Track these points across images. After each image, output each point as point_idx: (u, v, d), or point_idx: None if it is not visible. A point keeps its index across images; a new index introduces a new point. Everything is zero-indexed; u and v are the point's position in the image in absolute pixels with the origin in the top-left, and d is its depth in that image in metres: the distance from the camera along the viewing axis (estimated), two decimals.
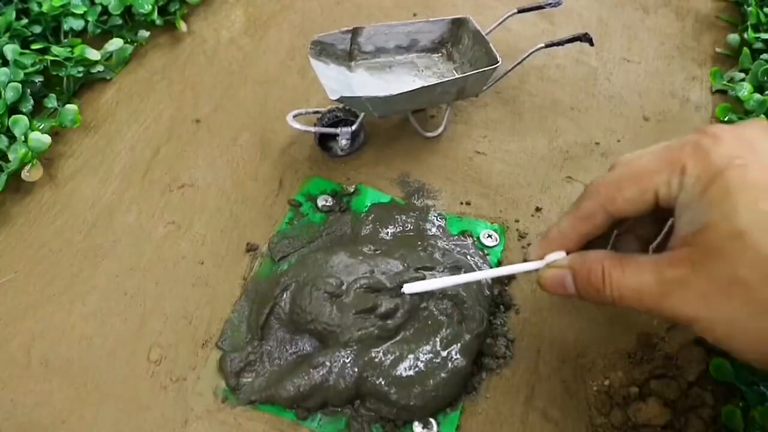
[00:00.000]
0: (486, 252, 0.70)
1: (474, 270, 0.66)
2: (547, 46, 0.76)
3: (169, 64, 0.90)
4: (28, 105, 0.78)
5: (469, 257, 0.68)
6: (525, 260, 0.52)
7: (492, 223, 0.73)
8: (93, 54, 0.83)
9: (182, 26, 0.93)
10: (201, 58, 0.91)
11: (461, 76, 0.70)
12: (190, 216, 0.73)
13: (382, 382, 0.57)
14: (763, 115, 0.79)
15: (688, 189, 0.40)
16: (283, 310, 0.62)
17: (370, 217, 0.72)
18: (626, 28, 0.97)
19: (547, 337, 0.65)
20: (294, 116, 0.74)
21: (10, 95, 0.76)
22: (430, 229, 0.71)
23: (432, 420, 0.58)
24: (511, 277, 0.68)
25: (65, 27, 0.87)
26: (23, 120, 0.75)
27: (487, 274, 0.57)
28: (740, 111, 0.83)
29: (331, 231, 0.71)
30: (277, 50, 0.92)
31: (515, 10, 0.82)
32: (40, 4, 0.84)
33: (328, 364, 0.58)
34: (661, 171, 0.41)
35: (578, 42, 0.76)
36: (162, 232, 0.72)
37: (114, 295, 0.67)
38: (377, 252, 0.66)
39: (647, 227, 0.50)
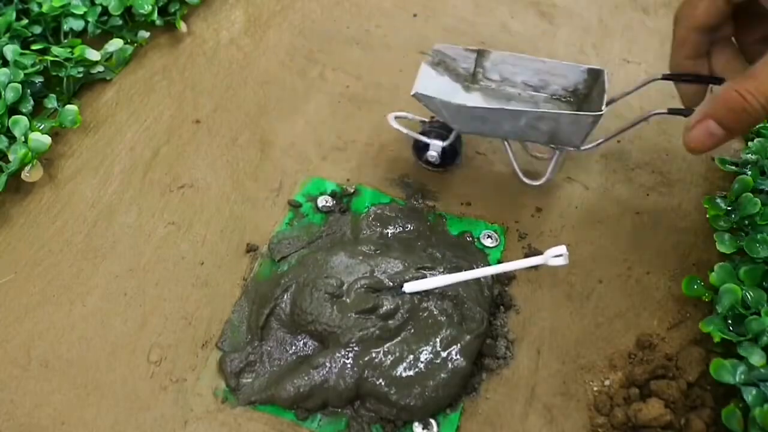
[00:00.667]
0: (486, 252, 0.70)
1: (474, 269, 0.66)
2: (670, 112, 0.66)
3: (169, 65, 0.90)
4: (28, 105, 0.78)
5: (468, 257, 0.68)
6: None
7: (492, 223, 0.73)
8: (93, 54, 0.83)
9: (182, 27, 0.93)
10: (201, 58, 0.91)
11: (550, 111, 0.63)
12: (189, 216, 0.73)
13: (382, 383, 0.57)
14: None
15: None
16: (284, 311, 0.63)
17: (370, 218, 0.72)
18: (626, 28, 0.97)
19: (547, 338, 0.65)
20: (396, 117, 0.72)
21: (10, 96, 0.76)
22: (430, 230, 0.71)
23: (432, 420, 0.58)
24: (511, 278, 0.68)
25: (65, 27, 0.87)
26: (23, 120, 0.75)
27: (487, 271, 0.57)
28: None
29: (331, 232, 0.71)
30: (277, 50, 0.92)
31: (660, 76, 0.68)
32: (40, 5, 0.84)
33: (328, 364, 0.58)
34: None
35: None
36: (162, 233, 0.72)
37: (114, 296, 0.67)
38: (377, 252, 0.66)
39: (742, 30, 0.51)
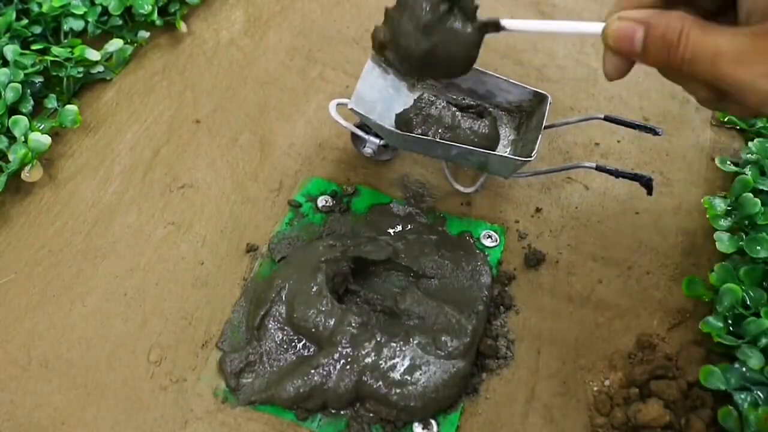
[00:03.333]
0: (486, 252, 0.70)
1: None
2: (599, 169, 0.66)
3: (169, 65, 0.90)
4: (28, 105, 0.78)
5: (467, 257, 0.68)
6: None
7: (492, 223, 0.73)
8: (93, 54, 0.82)
9: (182, 27, 0.93)
10: (201, 58, 0.91)
11: (480, 150, 0.64)
12: (190, 216, 0.73)
13: (381, 385, 0.57)
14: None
15: None
16: (280, 312, 0.63)
17: (368, 218, 0.72)
18: None
19: (547, 338, 0.65)
20: (338, 104, 0.71)
21: (10, 96, 0.76)
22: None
23: (432, 421, 0.58)
24: (511, 278, 0.68)
25: (65, 27, 0.87)
26: (23, 120, 0.75)
27: (561, 26, 0.49)
28: None
29: (331, 231, 0.71)
30: (277, 50, 0.92)
31: (602, 116, 0.70)
32: (40, 5, 0.84)
33: (326, 366, 0.58)
34: None
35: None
36: (162, 233, 0.72)
37: (114, 296, 0.67)
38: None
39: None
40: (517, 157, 0.63)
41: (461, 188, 0.75)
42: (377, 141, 0.72)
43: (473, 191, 0.75)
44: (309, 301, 0.61)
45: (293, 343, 0.62)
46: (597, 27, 0.45)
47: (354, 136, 0.75)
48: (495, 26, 0.47)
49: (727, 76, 0.40)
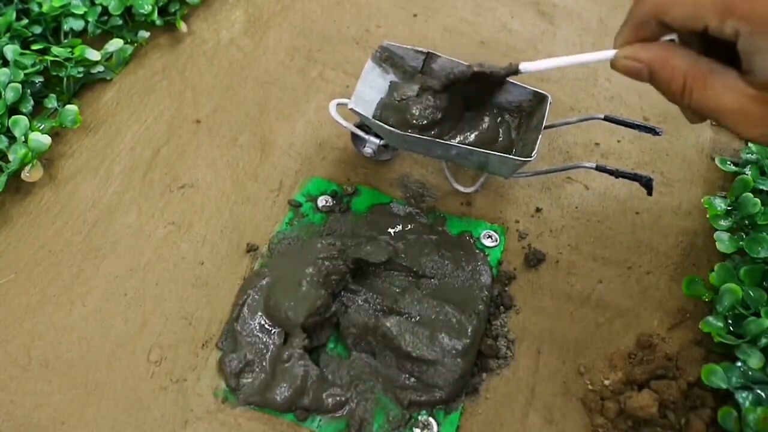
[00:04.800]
0: (486, 252, 0.70)
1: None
2: (599, 169, 0.66)
3: (169, 65, 0.90)
4: (29, 105, 0.78)
5: (467, 257, 0.68)
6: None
7: (492, 223, 0.73)
8: (93, 54, 0.82)
9: (182, 27, 0.93)
10: (201, 58, 0.91)
11: (480, 150, 0.64)
12: (190, 216, 0.73)
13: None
14: None
15: (750, 36, 0.39)
16: (256, 300, 0.64)
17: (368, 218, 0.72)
18: None
19: (547, 338, 0.65)
20: (338, 104, 0.71)
21: (10, 96, 0.76)
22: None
23: (432, 420, 0.58)
24: (511, 277, 0.68)
25: (65, 27, 0.87)
26: (23, 120, 0.75)
27: (574, 60, 0.52)
28: None
29: (331, 231, 0.71)
30: (277, 50, 0.92)
31: (602, 116, 0.70)
32: (40, 5, 0.84)
33: (294, 356, 0.59)
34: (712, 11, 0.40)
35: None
36: (162, 233, 0.72)
37: (114, 296, 0.67)
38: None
39: (696, 42, 0.47)
40: (517, 157, 0.63)
41: (461, 188, 0.75)
42: (377, 141, 0.72)
43: (473, 191, 0.75)
44: (287, 289, 0.61)
45: (271, 333, 0.62)
46: (609, 54, 0.47)
47: (354, 136, 0.75)
48: (515, 72, 0.56)
49: (731, 128, 0.42)
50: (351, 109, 0.66)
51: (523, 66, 0.54)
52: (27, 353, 0.62)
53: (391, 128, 0.65)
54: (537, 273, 0.69)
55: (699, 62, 0.42)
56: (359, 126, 0.73)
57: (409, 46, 0.70)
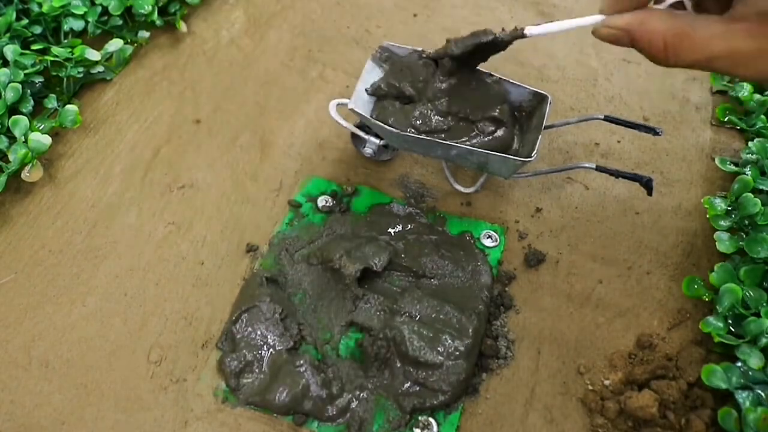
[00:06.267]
0: (486, 252, 0.70)
1: None
2: (599, 169, 0.66)
3: (169, 65, 0.90)
4: (28, 105, 0.78)
5: (467, 258, 0.68)
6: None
7: (492, 223, 0.73)
8: (93, 54, 0.83)
9: (182, 27, 0.93)
10: (201, 58, 0.91)
11: (479, 150, 0.64)
12: (190, 216, 0.73)
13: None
14: (763, 116, 0.79)
15: None
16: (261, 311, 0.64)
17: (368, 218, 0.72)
18: None
19: (547, 338, 0.65)
20: (338, 104, 0.71)
21: (10, 96, 0.76)
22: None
23: (432, 420, 0.58)
24: (511, 277, 0.68)
25: (65, 27, 0.87)
26: (23, 120, 0.75)
27: (556, 27, 0.56)
28: (740, 111, 0.83)
29: (331, 232, 0.71)
30: (277, 50, 0.92)
31: (602, 116, 0.70)
32: (40, 5, 0.84)
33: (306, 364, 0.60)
34: None
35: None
36: (162, 233, 0.72)
37: (114, 296, 0.67)
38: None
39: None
40: (517, 158, 0.63)
41: (461, 188, 0.74)
42: (377, 141, 0.72)
43: (473, 191, 0.75)
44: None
45: (270, 336, 0.62)
46: (595, 19, 0.49)
47: (354, 136, 0.75)
48: (521, 36, 0.58)
49: (729, 72, 0.41)
50: (351, 109, 0.66)
51: (529, 30, 0.56)
52: (27, 353, 0.62)
53: (390, 128, 0.65)
54: (537, 273, 0.69)
55: (676, 19, 0.42)
56: (359, 126, 0.73)
57: (408, 46, 0.70)
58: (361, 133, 0.72)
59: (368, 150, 0.74)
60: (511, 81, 0.69)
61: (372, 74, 0.70)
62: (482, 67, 0.66)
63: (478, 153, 0.64)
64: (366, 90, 0.70)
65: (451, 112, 0.66)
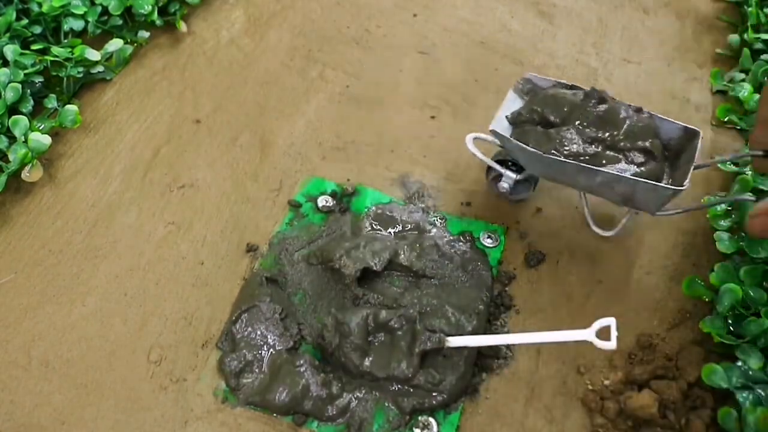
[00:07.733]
0: (486, 252, 0.70)
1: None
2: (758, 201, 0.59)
3: (169, 65, 0.90)
4: (28, 105, 0.78)
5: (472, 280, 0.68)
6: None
7: (492, 223, 0.73)
8: (93, 54, 0.83)
9: (182, 27, 0.93)
10: (201, 58, 0.91)
11: (628, 177, 0.59)
12: (190, 216, 0.73)
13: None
14: None
15: None
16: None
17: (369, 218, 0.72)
18: (626, 28, 0.97)
19: None
20: (474, 139, 0.69)
21: (10, 96, 0.76)
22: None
23: (432, 420, 0.58)
24: (511, 277, 0.68)
25: (65, 27, 0.87)
26: (23, 120, 0.75)
27: (527, 338, 0.57)
28: (740, 111, 0.83)
29: (331, 232, 0.71)
30: (277, 50, 0.92)
31: (761, 153, 0.58)
32: (40, 5, 0.84)
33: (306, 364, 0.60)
34: None
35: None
36: (162, 233, 0.72)
37: (114, 296, 0.67)
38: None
39: None
40: (668, 186, 0.59)
41: (600, 231, 0.70)
42: (513, 176, 0.69)
43: (613, 234, 0.70)
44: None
45: (270, 336, 0.62)
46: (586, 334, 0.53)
47: (489, 173, 0.73)
48: None
49: None
50: (491, 131, 0.64)
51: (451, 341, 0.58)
52: (27, 353, 0.62)
53: (533, 150, 0.61)
54: (537, 273, 0.69)
55: None
56: (497, 160, 0.70)
57: (551, 78, 0.68)
58: (498, 167, 0.70)
59: (504, 185, 0.70)
60: (660, 116, 0.65)
61: (513, 104, 0.68)
62: (630, 101, 0.64)
63: (626, 180, 0.60)
64: (506, 117, 0.67)
65: (599, 139, 0.63)
